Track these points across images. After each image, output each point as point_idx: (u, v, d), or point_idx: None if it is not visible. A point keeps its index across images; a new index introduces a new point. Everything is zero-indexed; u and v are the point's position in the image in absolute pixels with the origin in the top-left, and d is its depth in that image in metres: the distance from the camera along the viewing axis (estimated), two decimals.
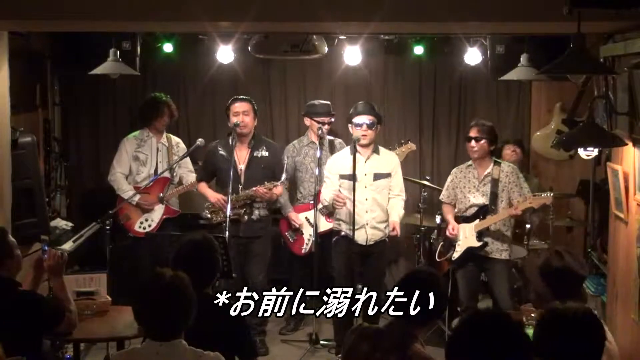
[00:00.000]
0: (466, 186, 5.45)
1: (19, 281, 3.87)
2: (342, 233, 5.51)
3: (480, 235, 5.33)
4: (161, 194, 6.06)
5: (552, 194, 5.29)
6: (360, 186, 5.38)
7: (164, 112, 6.23)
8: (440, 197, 5.69)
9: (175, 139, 6.35)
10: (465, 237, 5.37)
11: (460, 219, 5.45)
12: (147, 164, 6.18)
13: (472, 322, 2.42)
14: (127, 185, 6.09)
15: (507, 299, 5.30)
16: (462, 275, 5.46)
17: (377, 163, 5.48)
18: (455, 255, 5.42)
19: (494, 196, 5.32)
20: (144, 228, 6.07)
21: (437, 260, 5.70)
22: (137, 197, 6.04)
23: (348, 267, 5.47)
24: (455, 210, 5.53)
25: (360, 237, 5.42)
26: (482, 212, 5.34)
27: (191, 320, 2.95)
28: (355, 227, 5.37)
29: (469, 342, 2.35)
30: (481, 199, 5.36)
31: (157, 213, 6.11)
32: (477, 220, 5.35)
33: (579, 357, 2.49)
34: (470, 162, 5.49)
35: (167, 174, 6.13)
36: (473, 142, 5.37)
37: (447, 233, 5.47)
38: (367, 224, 5.45)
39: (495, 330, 2.35)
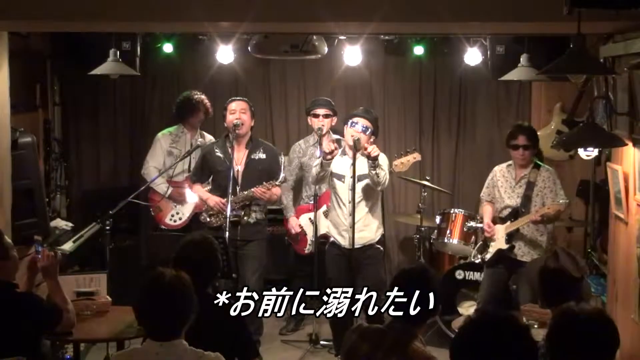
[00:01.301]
0: (503, 185, 5.41)
1: (17, 282, 3.86)
2: (331, 239, 5.42)
3: (509, 237, 5.30)
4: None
5: (567, 201, 5.27)
6: (345, 188, 5.26)
7: (199, 109, 6.34)
8: (480, 195, 5.67)
9: (208, 136, 6.44)
10: (497, 238, 5.36)
11: (497, 219, 5.42)
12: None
13: (479, 322, 2.41)
14: (161, 178, 6.12)
15: (529, 302, 5.26)
16: (488, 275, 5.46)
17: (362, 165, 5.25)
18: (488, 256, 5.42)
19: (526, 199, 5.26)
20: (175, 221, 6.20)
21: (473, 260, 5.74)
22: (170, 190, 6.12)
23: (342, 273, 5.28)
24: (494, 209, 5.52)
25: (343, 240, 5.29)
26: (513, 214, 5.31)
27: (192, 321, 2.95)
28: (339, 230, 5.30)
29: (474, 343, 2.34)
30: (515, 201, 5.33)
31: (189, 207, 6.17)
32: (508, 222, 5.32)
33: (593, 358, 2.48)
34: (510, 162, 5.44)
35: None
36: (521, 150, 5.27)
37: (485, 232, 5.46)
38: (349, 227, 5.23)
39: (501, 331, 2.34)
